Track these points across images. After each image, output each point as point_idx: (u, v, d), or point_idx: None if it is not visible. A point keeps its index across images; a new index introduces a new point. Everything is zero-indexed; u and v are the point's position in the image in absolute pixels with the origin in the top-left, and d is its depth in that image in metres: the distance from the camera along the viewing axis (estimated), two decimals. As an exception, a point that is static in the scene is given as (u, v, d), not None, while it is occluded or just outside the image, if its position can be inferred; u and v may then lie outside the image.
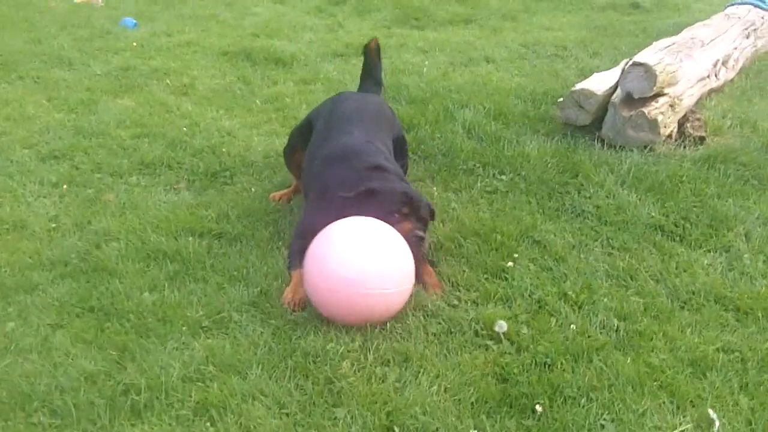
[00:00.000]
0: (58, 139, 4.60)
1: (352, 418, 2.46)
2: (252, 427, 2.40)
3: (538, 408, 2.48)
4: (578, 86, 4.70)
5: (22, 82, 5.72)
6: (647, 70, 4.41)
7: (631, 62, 4.52)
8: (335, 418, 2.46)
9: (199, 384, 2.58)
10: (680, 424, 2.49)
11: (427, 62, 6.14)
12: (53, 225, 3.64)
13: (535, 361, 2.72)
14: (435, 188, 3.97)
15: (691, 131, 4.66)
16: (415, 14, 7.80)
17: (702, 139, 4.61)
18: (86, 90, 5.47)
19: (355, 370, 2.67)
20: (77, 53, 6.36)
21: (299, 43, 6.75)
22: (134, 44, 6.57)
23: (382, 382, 2.62)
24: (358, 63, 5.84)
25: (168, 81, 5.66)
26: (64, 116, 5.00)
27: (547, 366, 2.70)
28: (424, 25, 7.52)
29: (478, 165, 4.20)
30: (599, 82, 4.73)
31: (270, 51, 6.35)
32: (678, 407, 2.55)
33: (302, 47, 6.60)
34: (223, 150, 4.45)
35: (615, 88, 4.65)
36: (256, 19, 7.73)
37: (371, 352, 2.75)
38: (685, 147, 4.51)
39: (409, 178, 4.04)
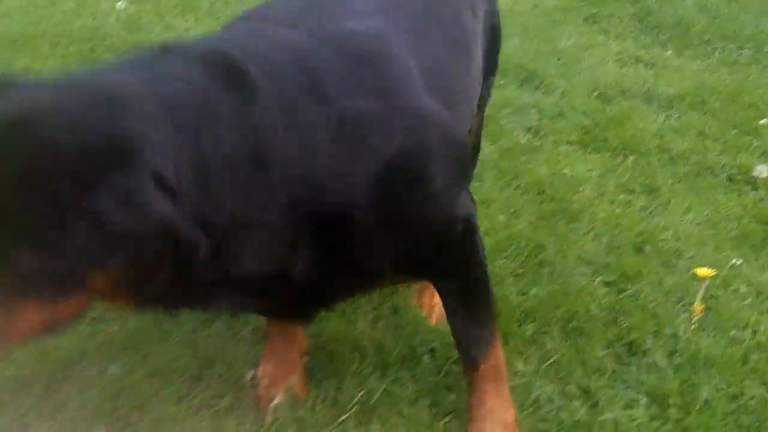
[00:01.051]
0: None
1: (594, 234, 2.26)
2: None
3: (814, 247, 2.21)
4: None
5: None
6: None
7: None
8: (575, 229, 2.27)
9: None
10: None
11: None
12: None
13: (800, 209, 2.43)
14: (668, 52, 3.64)
15: None
16: None
17: None
18: None
19: (595, 195, 2.46)
20: None
21: None
22: None
23: (628, 207, 2.41)
24: None
25: None
26: None
27: (814, 216, 2.40)
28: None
29: (713, 38, 3.82)
30: None
31: None
32: None
33: None
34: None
35: None
36: None
37: (613, 180, 2.54)
38: None
39: (635, 44, 3.75)
